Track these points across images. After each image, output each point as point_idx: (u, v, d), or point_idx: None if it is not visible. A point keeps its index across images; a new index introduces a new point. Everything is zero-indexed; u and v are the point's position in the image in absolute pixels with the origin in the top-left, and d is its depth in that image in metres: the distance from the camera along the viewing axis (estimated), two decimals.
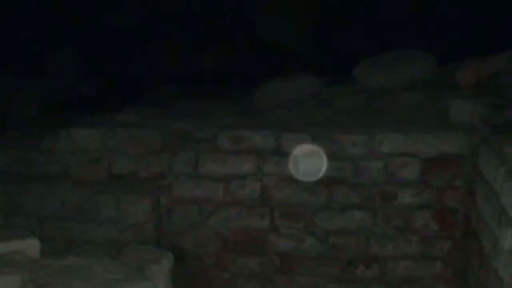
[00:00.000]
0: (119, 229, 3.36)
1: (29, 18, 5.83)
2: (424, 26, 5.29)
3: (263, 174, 3.34)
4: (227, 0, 5.99)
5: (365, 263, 3.35)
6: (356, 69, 3.82)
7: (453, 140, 3.18)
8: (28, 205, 3.42)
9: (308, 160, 3.26)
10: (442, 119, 3.30)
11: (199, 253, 3.45)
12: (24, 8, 5.83)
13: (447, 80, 3.58)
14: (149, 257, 2.28)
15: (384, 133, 3.25)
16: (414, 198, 3.25)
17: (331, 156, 3.28)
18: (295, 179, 3.31)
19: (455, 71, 3.55)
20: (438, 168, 3.21)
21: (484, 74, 3.44)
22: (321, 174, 3.26)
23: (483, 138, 2.95)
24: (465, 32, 5.28)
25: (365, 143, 3.26)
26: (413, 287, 3.33)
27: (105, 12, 5.98)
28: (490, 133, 2.88)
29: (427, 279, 3.31)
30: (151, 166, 3.43)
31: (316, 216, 3.34)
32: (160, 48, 5.81)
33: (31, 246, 2.18)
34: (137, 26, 5.89)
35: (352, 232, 3.32)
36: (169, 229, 3.45)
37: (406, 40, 4.64)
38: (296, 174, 3.28)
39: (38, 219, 3.39)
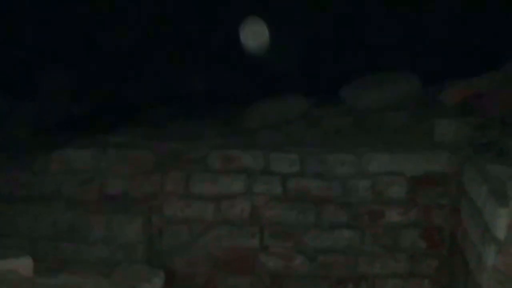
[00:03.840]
0: (111, 249, 3.39)
1: (20, 39, 5.87)
2: (410, 48, 5.38)
3: (252, 194, 3.39)
4: (217, 22, 6.06)
5: (354, 282, 3.38)
6: (343, 89, 3.89)
7: (439, 159, 3.24)
8: (21, 226, 3.44)
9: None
10: (428, 139, 3.37)
11: (190, 272, 3.47)
12: (15, 30, 5.87)
13: (432, 100, 3.66)
14: (141, 276, 2.31)
15: (371, 153, 3.31)
16: (401, 216, 3.30)
17: (319, 176, 3.34)
18: (285, 199, 3.37)
19: (440, 92, 3.63)
20: (424, 187, 3.27)
21: (468, 95, 3.52)
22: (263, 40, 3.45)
23: (467, 157, 3.02)
24: (450, 53, 5.38)
25: (352, 162, 3.32)
26: None
27: (97, 34, 6.03)
28: (473, 152, 2.95)
29: None
30: (143, 187, 3.46)
31: (305, 235, 3.38)
32: (151, 70, 5.87)
33: (24, 264, 2.20)
34: (129, 48, 5.94)
35: (340, 251, 3.37)
36: (160, 249, 3.48)
37: (392, 61, 4.72)
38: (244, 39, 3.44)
39: (31, 240, 3.41)
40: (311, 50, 5.57)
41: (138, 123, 4.15)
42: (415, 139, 3.42)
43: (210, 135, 3.65)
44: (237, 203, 3.41)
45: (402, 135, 3.49)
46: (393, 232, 3.33)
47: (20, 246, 3.26)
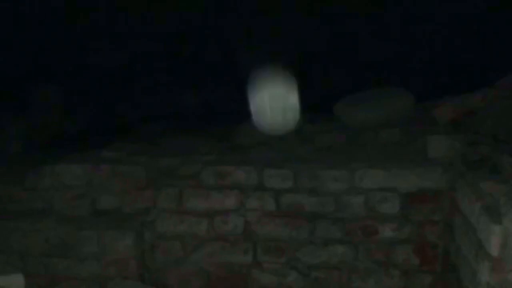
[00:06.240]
0: (103, 265, 3.37)
1: (13, 55, 5.87)
2: (403, 64, 5.41)
3: (246, 210, 3.39)
4: (211, 38, 6.09)
5: None
6: (336, 106, 3.89)
7: (431, 176, 3.25)
8: (12, 242, 3.41)
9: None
10: (421, 155, 3.38)
11: None
12: (7, 45, 5.88)
13: (425, 117, 3.67)
14: None
15: (365, 169, 3.32)
16: (395, 232, 3.30)
17: (312, 192, 3.34)
18: (277, 215, 3.36)
19: (433, 109, 3.64)
20: (417, 203, 3.28)
21: (460, 112, 3.53)
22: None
23: (459, 173, 3.03)
24: (443, 70, 5.41)
25: (346, 178, 3.33)
26: None
27: (90, 49, 6.05)
28: (466, 169, 2.96)
29: None
30: (135, 202, 3.46)
31: (299, 251, 3.37)
32: (145, 86, 5.87)
33: (15, 281, 2.19)
34: (122, 63, 5.95)
35: (334, 267, 3.36)
36: (152, 265, 3.46)
37: (385, 78, 4.75)
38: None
39: (22, 256, 3.39)
40: (305, 66, 5.60)
41: (131, 138, 4.14)
42: (408, 155, 3.42)
43: (204, 151, 3.65)
44: (230, 219, 3.40)
45: (395, 152, 3.50)
46: (387, 248, 3.32)
47: (11, 263, 3.24)
